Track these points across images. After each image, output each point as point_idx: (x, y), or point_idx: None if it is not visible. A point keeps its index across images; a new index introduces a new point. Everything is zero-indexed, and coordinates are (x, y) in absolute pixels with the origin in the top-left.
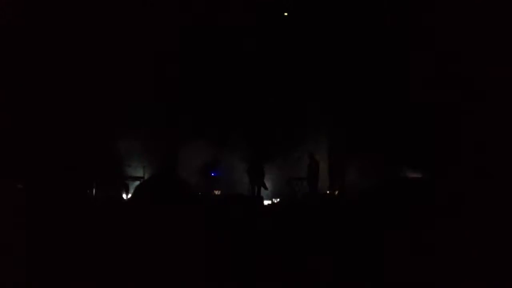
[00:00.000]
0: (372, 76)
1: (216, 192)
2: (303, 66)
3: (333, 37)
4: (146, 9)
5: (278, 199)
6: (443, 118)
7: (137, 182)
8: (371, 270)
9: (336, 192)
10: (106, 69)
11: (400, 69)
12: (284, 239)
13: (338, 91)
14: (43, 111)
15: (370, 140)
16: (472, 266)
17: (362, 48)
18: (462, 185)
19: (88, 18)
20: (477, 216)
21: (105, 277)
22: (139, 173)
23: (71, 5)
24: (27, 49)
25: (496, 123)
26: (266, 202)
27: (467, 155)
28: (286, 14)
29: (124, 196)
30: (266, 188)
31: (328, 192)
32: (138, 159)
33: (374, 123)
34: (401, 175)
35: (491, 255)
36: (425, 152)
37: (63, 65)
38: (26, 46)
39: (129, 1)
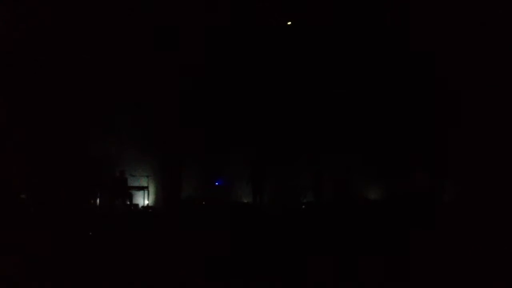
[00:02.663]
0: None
1: None
2: (310, 74)
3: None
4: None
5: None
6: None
7: (141, 192)
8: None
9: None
10: (112, 81)
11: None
12: (285, 246)
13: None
14: (48, 121)
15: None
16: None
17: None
18: None
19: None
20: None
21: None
22: (143, 183)
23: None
24: (28, 63)
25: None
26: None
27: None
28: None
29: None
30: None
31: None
32: (142, 169)
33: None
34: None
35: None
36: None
37: (69, 76)
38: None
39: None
